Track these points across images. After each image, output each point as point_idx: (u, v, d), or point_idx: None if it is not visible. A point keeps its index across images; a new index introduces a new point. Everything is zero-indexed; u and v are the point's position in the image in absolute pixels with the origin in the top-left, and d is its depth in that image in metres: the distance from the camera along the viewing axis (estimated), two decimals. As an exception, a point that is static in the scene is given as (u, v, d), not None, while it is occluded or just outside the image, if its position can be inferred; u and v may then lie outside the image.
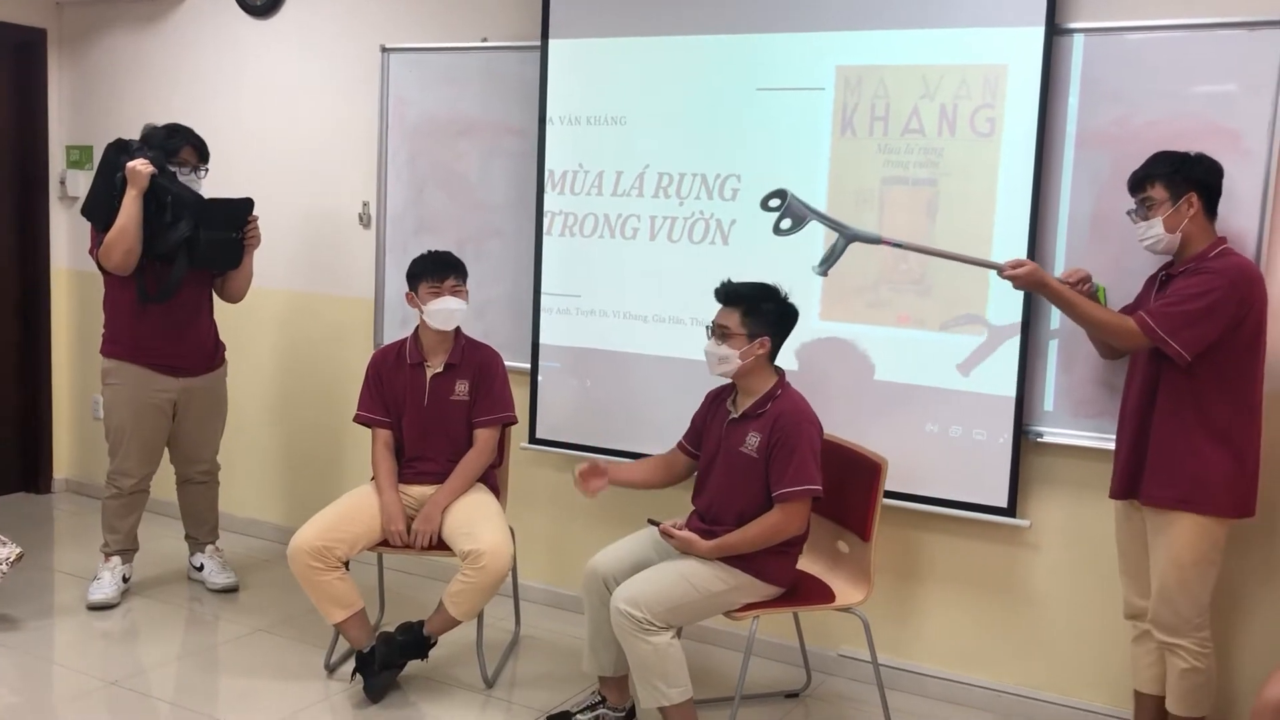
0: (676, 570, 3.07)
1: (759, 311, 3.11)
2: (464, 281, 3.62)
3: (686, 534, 3.11)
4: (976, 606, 3.58)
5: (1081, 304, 2.98)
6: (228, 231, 4.01)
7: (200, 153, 4.05)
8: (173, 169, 3.94)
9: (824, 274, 3.16)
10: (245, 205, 4.05)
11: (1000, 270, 3.03)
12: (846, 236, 3.14)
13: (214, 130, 4.58)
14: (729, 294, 3.14)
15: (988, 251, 3.33)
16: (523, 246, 4.14)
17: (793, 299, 3.16)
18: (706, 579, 3.06)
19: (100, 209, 3.89)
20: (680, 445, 3.40)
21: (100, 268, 3.96)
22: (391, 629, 3.51)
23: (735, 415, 3.18)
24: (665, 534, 3.13)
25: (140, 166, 3.80)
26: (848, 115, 3.52)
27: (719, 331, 3.13)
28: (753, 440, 3.11)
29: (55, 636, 3.87)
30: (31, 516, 5.17)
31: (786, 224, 3.10)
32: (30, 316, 5.40)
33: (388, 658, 3.44)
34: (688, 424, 3.40)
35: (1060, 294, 2.99)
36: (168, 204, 3.85)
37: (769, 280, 3.17)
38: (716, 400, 3.31)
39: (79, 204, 4.06)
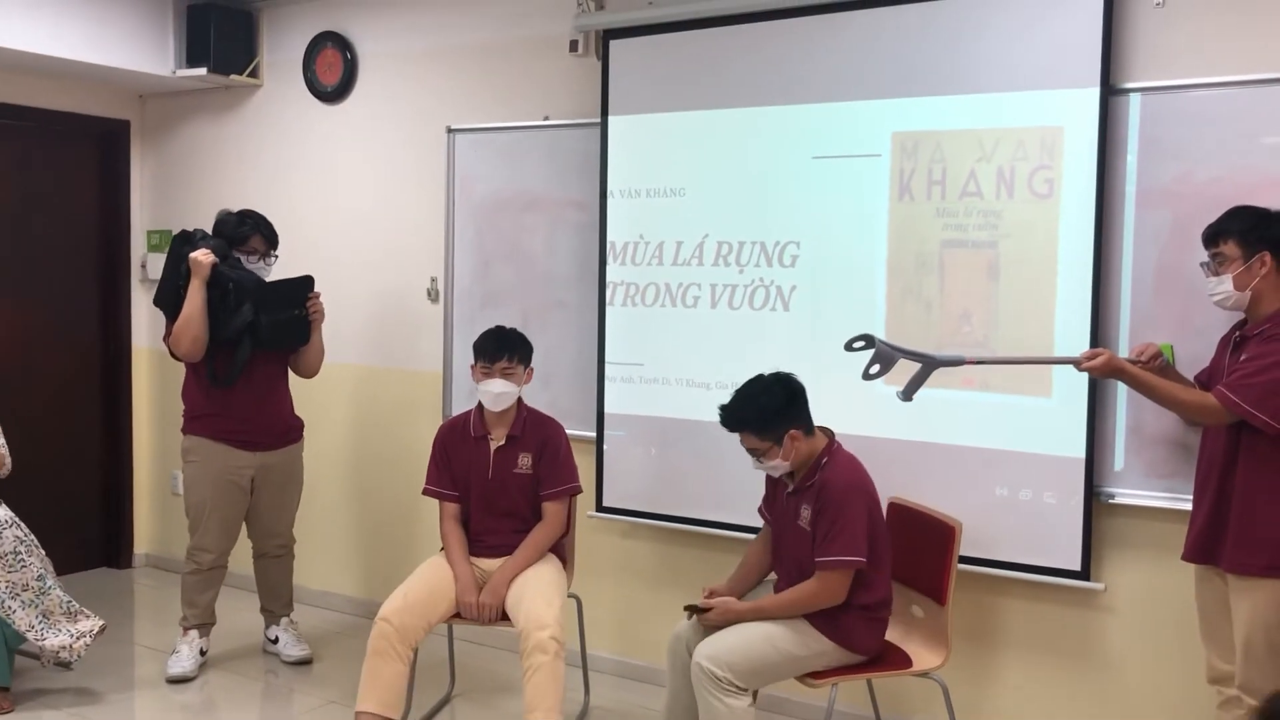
0: (761, 631, 3.07)
1: (764, 422, 3.09)
2: (519, 360, 3.64)
3: (719, 601, 3.15)
4: (1053, 672, 3.51)
5: (1161, 386, 2.93)
6: (289, 311, 4.12)
7: (269, 240, 4.19)
8: (240, 255, 4.08)
9: (908, 399, 3.14)
10: (305, 283, 4.16)
11: (1077, 365, 2.99)
12: (931, 365, 3.11)
13: (288, 211, 4.75)
14: (727, 420, 3.12)
15: (1052, 312, 3.34)
16: (586, 317, 4.21)
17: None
18: (791, 642, 3.05)
19: (169, 298, 4.04)
20: (760, 512, 3.39)
21: (173, 355, 4.10)
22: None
23: (791, 489, 3.20)
24: (703, 615, 3.14)
25: (201, 257, 3.94)
26: (905, 180, 3.55)
27: (753, 454, 3.14)
28: (805, 513, 3.11)
29: (136, 709, 3.95)
30: (113, 591, 5.29)
31: (875, 369, 3.10)
32: (112, 395, 5.58)
33: None
34: (752, 490, 3.40)
35: (1139, 379, 2.95)
36: (229, 291, 3.99)
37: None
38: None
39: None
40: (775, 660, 3.02)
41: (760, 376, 3.17)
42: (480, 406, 3.71)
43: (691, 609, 3.20)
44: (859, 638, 3.09)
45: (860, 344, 3.13)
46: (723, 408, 3.15)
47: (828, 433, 3.19)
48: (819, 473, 3.10)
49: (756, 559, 3.36)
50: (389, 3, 4.75)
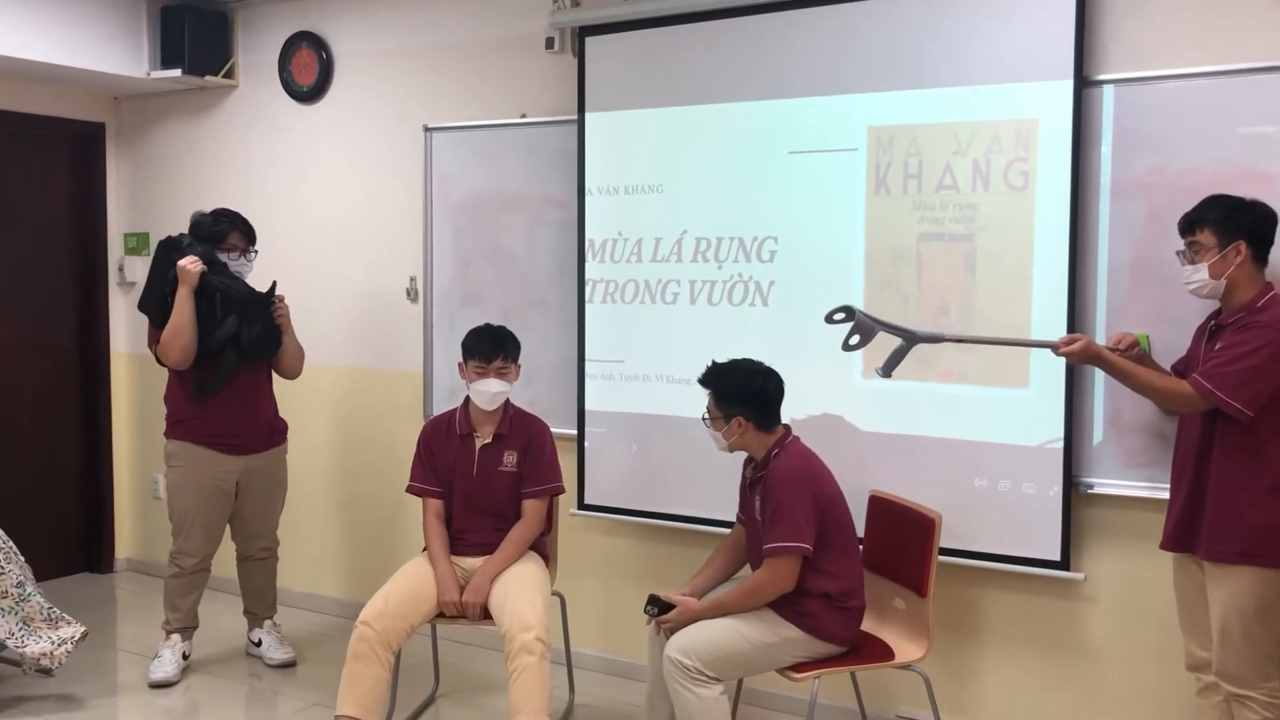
0: (728, 622, 3.10)
1: (723, 393, 3.19)
2: (513, 359, 3.66)
3: (678, 599, 3.18)
4: (1035, 662, 3.53)
5: (1138, 373, 2.96)
6: (265, 320, 4.11)
7: (247, 236, 4.17)
8: (221, 257, 4.06)
9: (887, 376, 3.17)
10: (270, 291, 4.13)
11: (1055, 348, 3.02)
12: (911, 341, 3.15)
13: (266, 213, 4.73)
14: (702, 378, 3.25)
15: (1029, 304, 3.35)
16: (566, 315, 4.21)
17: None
18: (758, 631, 3.08)
19: (155, 305, 4.02)
20: (738, 517, 3.41)
21: (159, 361, 4.08)
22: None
23: (749, 481, 3.25)
24: (660, 619, 3.16)
25: (190, 266, 3.92)
26: (881, 174, 3.56)
27: (706, 413, 3.24)
28: (758, 505, 3.16)
29: (118, 714, 3.93)
30: (94, 596, 5.26)
31: (855, 340, 3.14)
32: (91, 398, 5.55)
33: None
34: (732, 485, 3.42)
35: (1116, 365, 2.97)
36: (216, 300, 3.97)
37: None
38: (746, 466, 3.36)
39: (136, 289, 4.19)
40: (745, 649, 3.05)
41: (753, 361, 3.25)
42: (465, 405, 3.71)
43: (652, 606, 3.19)
44: (825, 625, 3.10)
45: (840, 316, 3.17)
46: (709, 365, 3.25)
47: (786, 428, 3.23)
48: (769, 464, 3.15)
49: (722, 560, 3.39)
50: (364, 2, 4.73)
